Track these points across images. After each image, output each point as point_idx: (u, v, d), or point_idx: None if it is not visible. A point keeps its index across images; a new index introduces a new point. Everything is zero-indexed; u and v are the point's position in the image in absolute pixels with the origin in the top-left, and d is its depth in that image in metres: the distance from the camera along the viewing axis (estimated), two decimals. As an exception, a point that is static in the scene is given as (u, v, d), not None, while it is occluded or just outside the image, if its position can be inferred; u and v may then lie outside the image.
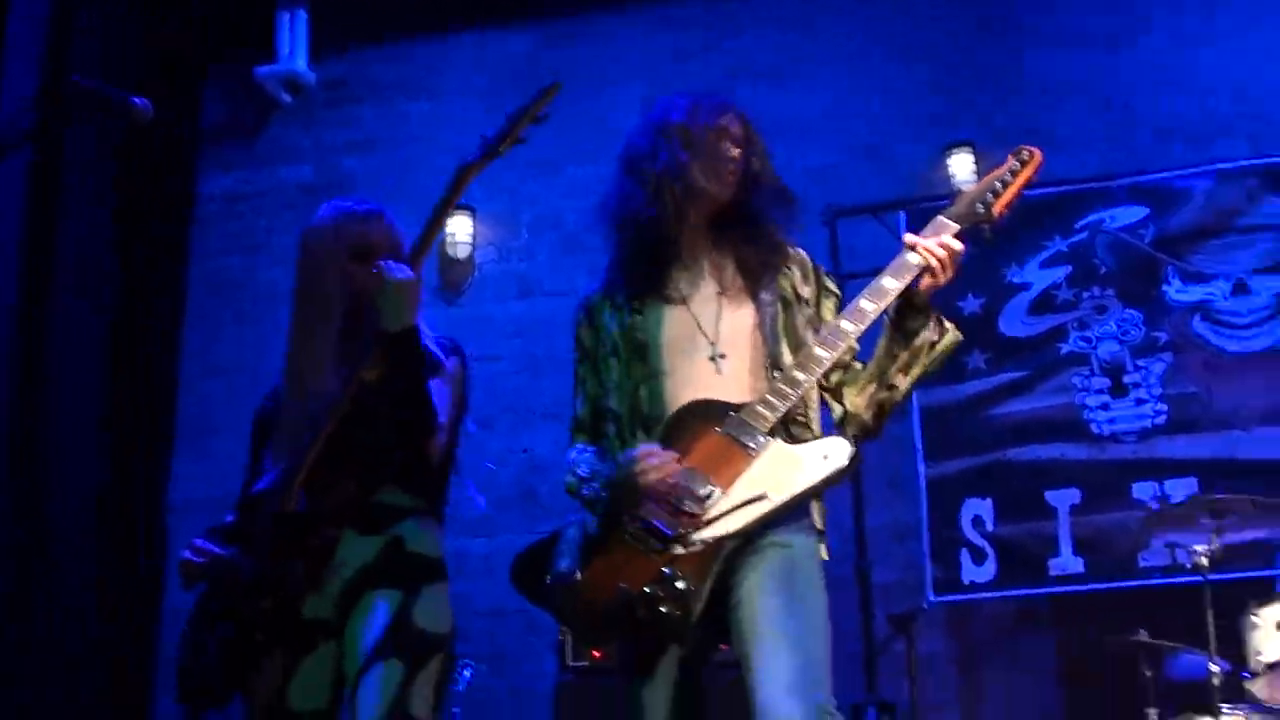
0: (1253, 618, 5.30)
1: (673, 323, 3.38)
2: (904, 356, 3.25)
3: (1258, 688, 5.31)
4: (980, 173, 7.52)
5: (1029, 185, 3.31)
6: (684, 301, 3.39)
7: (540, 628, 6.99)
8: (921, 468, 7.39)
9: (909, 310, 3.23)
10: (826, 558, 3.29)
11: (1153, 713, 5.66)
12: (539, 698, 6.40)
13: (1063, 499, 7.22)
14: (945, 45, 8.24)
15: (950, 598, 7.27)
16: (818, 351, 3.19)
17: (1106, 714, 6.73)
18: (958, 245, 3.18)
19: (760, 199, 3.43)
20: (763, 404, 3.16)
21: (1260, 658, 5.22)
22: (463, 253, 8.47)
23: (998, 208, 3.24)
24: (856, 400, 3.32)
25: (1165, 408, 7.22)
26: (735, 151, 3.42)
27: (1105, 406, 7.30)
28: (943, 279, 3.19)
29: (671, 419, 3.27)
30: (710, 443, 3.18)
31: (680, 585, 3.04)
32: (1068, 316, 7.48)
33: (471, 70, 8.91)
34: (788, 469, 3.13)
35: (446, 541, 3.67)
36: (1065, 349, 7.44)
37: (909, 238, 3.23)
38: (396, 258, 3.50)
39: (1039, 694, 7.20)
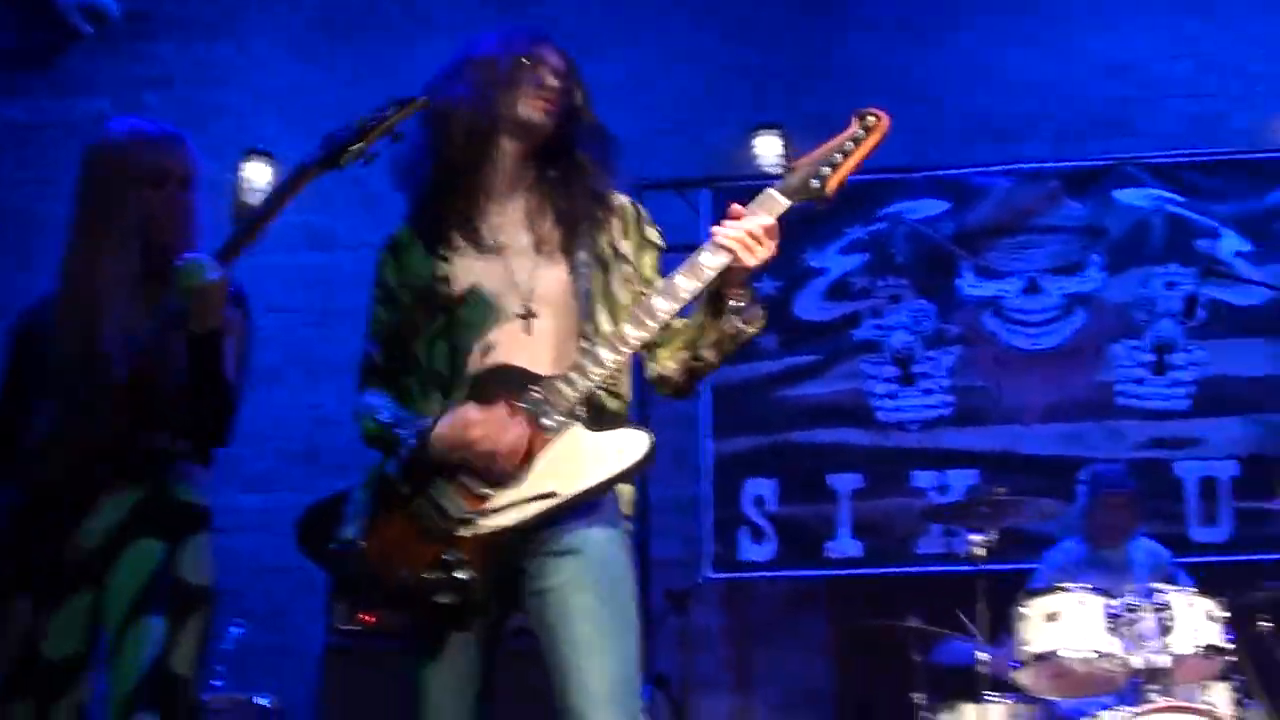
0: (1022, 609, 5.37)
1: (482, 274, 3.12)
2: (713, 334, 3.10)
3: (1023, 677, 5.40)
4: (787, 158, 7.55)
5: (872, 154, 3.08)
6: (497, 252, 3.13)
7: (315, 587, 6.81)
8: (708, 444, 7.38)
9: (725, 289, 3.06)
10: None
11: (919, 697, 5.72)
12: (308, 659, 6.24)
13: (844, 483, 7.29)
14: (758, 23, 8.22)
15: (728, 575, 7.29)
16: (629, 331, 2.98)
17: (875, 696, 6.83)
18: (767, 222, 2.98)
19: (583, 136, 3.22)
20: (565, 381, 2.96)
21: (1027, 648, 5.30)
22: (257, 200, 8.21)
23: (832, 185, 3.03)
24: (669, 364, 3.17)
25: (952, 399, 7.34)
26: (554, 81, 3.17)
27: (893, 395, 7.39)
28: (751, 262, 3.05)
29: (474, 382, 3.04)
30: (510, 414, 2.97)
31: (461, 575, 2.88)
32: (862, 304, 7.54)
33: (276, 15, 8.65)
34: (581, 459, 2.95)
35: (225, 496, 3.51)
36: (858, 336, 7.50)
37: (735, 209, 3.09)
38: (189, 188, 3.34)
39: (810, 673, 7.27)
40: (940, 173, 7.61)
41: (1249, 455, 7.02)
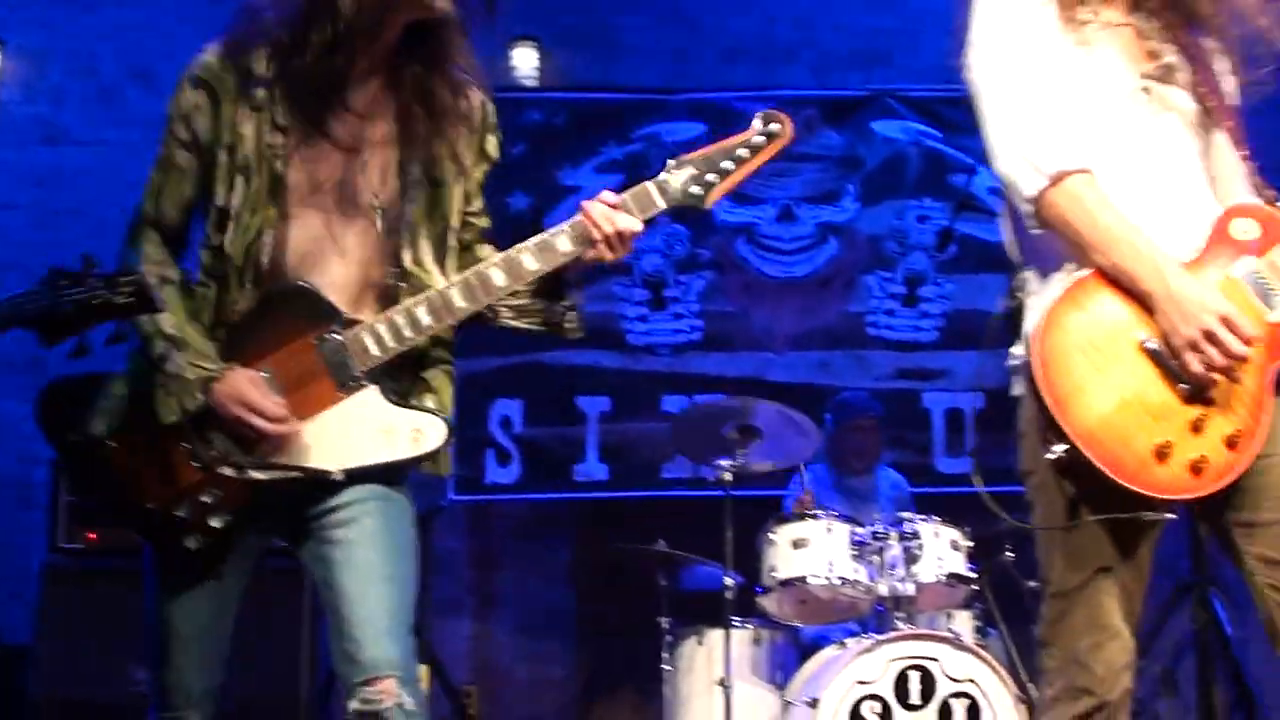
0: (770, 535, 5.34)
1: (314, 164, 2.78)
2: (525, 302, 2.91)
3: (768, 603, 5.37)
4: (543, 72, 7.37)
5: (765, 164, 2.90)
6: (334, 142, 2.78)
7: (35, 502, 6.41)
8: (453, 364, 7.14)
9: (566, 276, 2.88)
10: None
11: (665, 622, 5.65)
12: (28, 577, 5.86)
13: (593, 406, 7.18)
14: (517, -68, 7.97)
15: (472, 497, 7.11)
16: (456, 300, 2.72)
17: (620, 621, 6.75)
18: (637, 228, 2.78)
19: (452, 35, 2.84)
20: (372, 335, 2.70)
21: (774, 574, 5.27)
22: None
23: (713, 198, 2.82)
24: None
25: (701, 324, 7.29)
26: None
27: (643, 318, 7.29)
28: (609, 256, 2.80)
29: (272, 298, 2.73)
30: (302, 354, 2.70)
31: (215, 522, 2.66)
32: (615, 225, 7.38)
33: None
34: (369, 433, 2.71)
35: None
36: (609, 257, 7.34)
37: (606, 196, 2.81)
38: None
39: (553, 597, 7.17)
40: (698, 95, 7.50)
41: (994, 388, 7.11)
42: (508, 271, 2.75)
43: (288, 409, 2.68)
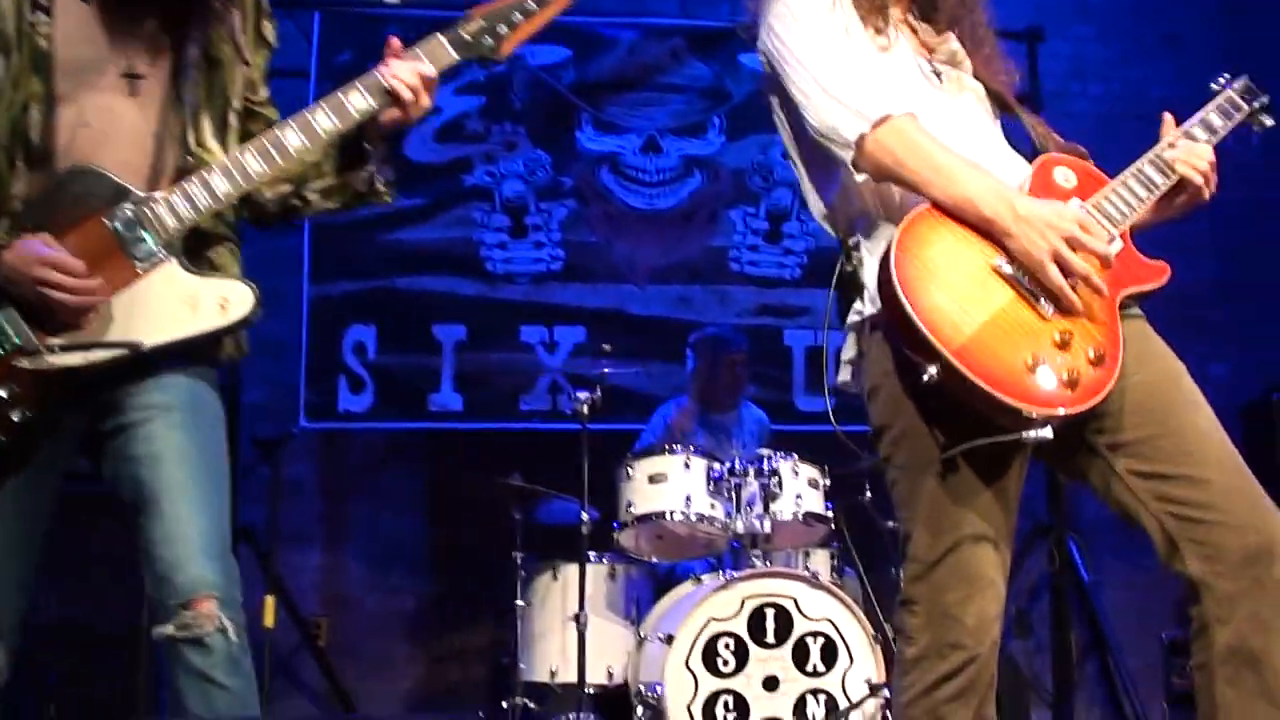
0: (628, 470, 5.27)
1: (85, 44, 2.68)
2: (331, 181, 2.82)
3: (625, 538, 5.32)
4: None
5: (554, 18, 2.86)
6: (105, 22, 2.69)
7: None
8: (305, 285, 6.96)
9: (367, 139, 2.77)
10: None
11: (519, 556, 5.57)
12: None
13: (449, 334, 7.02)
14: None
15: (323, 425, 6.93)
16: (250, 163, 2.63)
17: (474, 554, 6.66)
18: (431, 73, 2.69)
19: None
20: (167, 207, 2.59)
21: (631, 510, 5.20)
22: None
23: (506, 49, 2.77)
24: (265, 193, 2.80)
25: (562, 254, 7.16)
26: None
27: (503, 245, 7.14)
28: (412, 114, 2.70)
29: (56, 183, 2.61)
30: (93, 233, 2.58)
31: (14, 415, 2.51)
32: (475, 149, 7.23)
33: None
34: (176, 305, 2.61)
35: None
36: (469, 181, 7.19)
37: (396, 44, 2.75)
38: None
39: (405, 528, 7.04)
40: (563, 19, 7.29)
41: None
42: (302, 130, 2.66)
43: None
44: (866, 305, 2.65)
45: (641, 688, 4.93)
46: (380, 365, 6.94)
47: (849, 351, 2.78)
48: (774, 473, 5.17)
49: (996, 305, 2.45)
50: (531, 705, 5.52)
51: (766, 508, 5.12)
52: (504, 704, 5.53)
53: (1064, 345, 2.44)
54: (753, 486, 5.17)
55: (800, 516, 5.15)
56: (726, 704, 4.71)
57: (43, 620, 4.47)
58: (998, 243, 2.49)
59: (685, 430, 6.09)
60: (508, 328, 7.05)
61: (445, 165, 7.19)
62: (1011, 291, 2.47)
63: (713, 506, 5.18)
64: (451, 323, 7.03)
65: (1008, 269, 2.48)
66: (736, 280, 7.21)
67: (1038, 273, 2.46)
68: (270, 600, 5.86)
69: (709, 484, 5.21)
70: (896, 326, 2.46)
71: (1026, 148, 2.79)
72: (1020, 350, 2.42)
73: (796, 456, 5.26)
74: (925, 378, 2.40)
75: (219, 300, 2.62)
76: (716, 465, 5.26)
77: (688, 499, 5.16)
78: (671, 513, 5.17)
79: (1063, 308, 2.47)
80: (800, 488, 5.20)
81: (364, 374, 6.91)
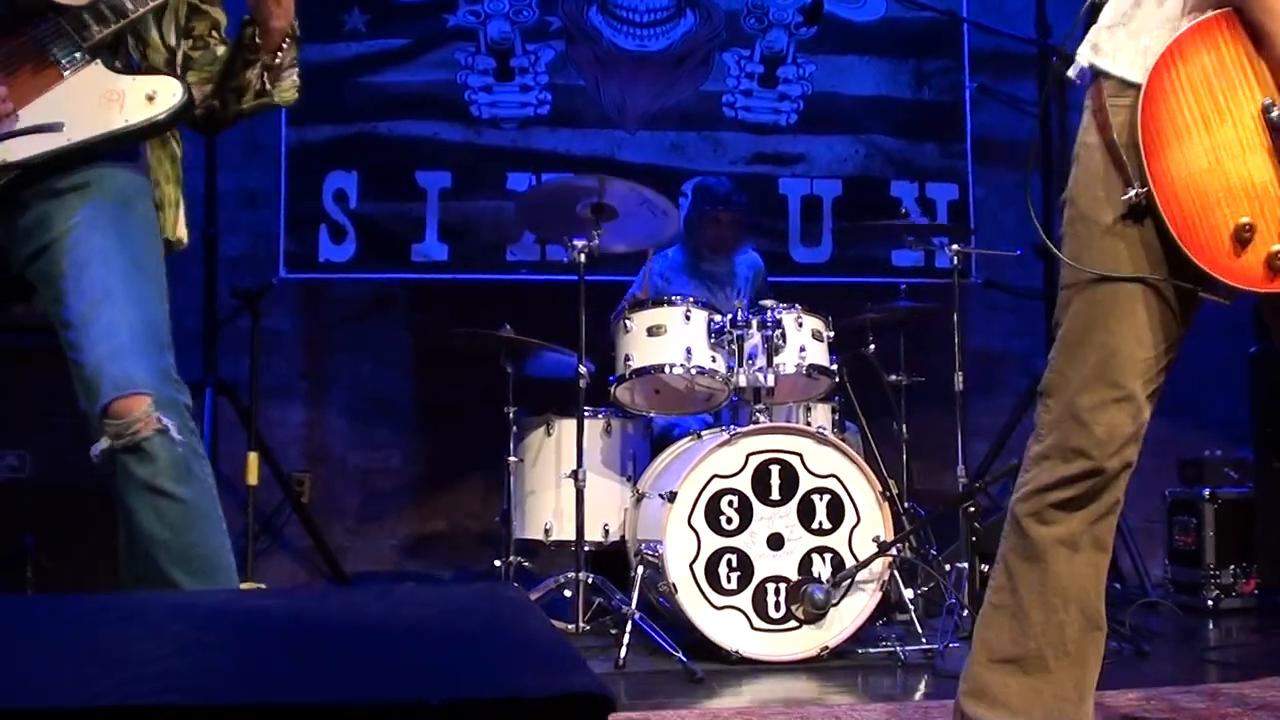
0: (626, 322, 5.06)
1: None
2: (240, 80, 2.73)
3: (621, 392, 5.12)
4: None
5: None
6: None
7: None
8: (284, 131, 6.68)
9: (255, 32, 2.68)
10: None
11: (511, 411, 5.39)
12: None
13: (433, 181, 6.78)
14: None
15: (304, 275, 6.70)
16: None
17: (461, 408, 6.49)
18: None
19: None
20: (91, 13, 2.49)
21: (629, 363, 5.00)
22: None
23: None
24: (195, 91, 2.69)
25: (550, 97, 6.89)
26: None
27: (489, 88, 6.87)
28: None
29: None
30: (13, 41, 2.49)
31: None
32: (459, -14, 6.93)
33: None
34: (101, 101, 2.49)
35: None
36: (452, 21, 6.88)
37: None
38: None
39: (389, 382, 6.86)
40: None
41: (851, 175, 6.92)
42: None
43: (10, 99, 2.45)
44: (1100, 57, 2.37)
45: (641, 546, 4.79)
46: (362, 214, 6.70)
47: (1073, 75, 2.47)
48: (777, 324, 4.95)
49: (1243, 151, 2.21)
50: (526, 564, 5.38)
51: (770, 361, 4.92)
52: (496, 562, 5.39)
53: None
54: (755, 339, 4.97)
55: (804, 370, 4.96)
56: (730, 563, 4.57)
57: (12, 481, 4.31)
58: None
59: (676, 280, 5.89)
60: (494, 174, 6.80)
61: (427, 4, 6.88)
62: (1268, 143, 2.22)
63: (714, 359, 4.99)
64: (436, 169, 6.78)
65: (1276, 113, 2.21)
66: (730, 126, 6.96)
67: None
68: (253, 457, 5.68)
69: (710, 336, 5.00)
70: (1129, 131, 2.24)
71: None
72: (1238, 211, 2.20)
73: (800, 308, 5.05)
74: (1125, 195, 2.20)
75: (145, 93, 2.52)
76: (717, 317, 5.04)
77: (688, 351, 4.96)
78: (671, 366, 4.97)
79: None
80: (804, 340, 5.00)
81: (346, 222, 6.68)
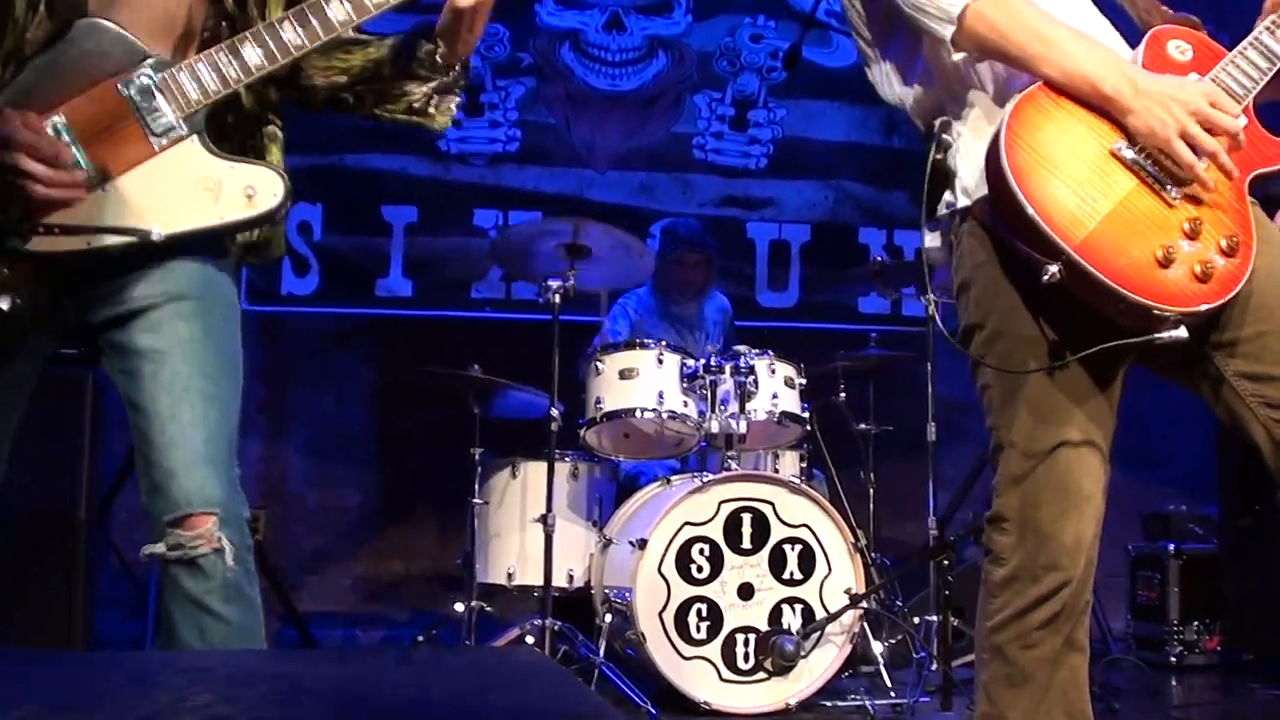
0: (597, 364, 4.98)
1: None
2: (388, 86, 2.56)
3: (590, 435, 5.04)
4: None
5: None
6: None
7: None
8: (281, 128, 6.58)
9: (432, 41, 2.51)
10: None
11: (478, 452, 5.30)
12: None
13: (399, 216, 6.72)
14: None
15: (265, 308, 6.62)
16: (288, 35, 2.29)
17: (422, 448, 6.39)
18: None
19: None
20: (190, 76, 2.27)
21: (600, 406, 4.93)
22: None
23: None
24: (316, 79, 2.56)
25: (519, 134, 6.85)
26: None
27: (458, 123, 6.78)
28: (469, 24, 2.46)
29: (66, 36, 2.27)
30: (104, 99, 2.25)
31: (2, 304, 2.20)
32: (429, 19, 6.84)
33: None
34: (195, 189, 2.28)
35: None
36: (420, 55, 6.82)
37: None
38: None
39: (350, 418, 6.76)
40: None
41: (819, 221, 6.91)
42: (348, 1, 2.32)
43: (93, 163, 2.23)
44: (958, 197, 2.40)
45: (608, 593, 4.72)
46: (327, 246, 6.63)
47: (934, 246, 2.51)
48: (750, 370, 4.90)
49: (1119, 194, 2.21)
50: (488, 608, 5.29)
51: (742, 407, 4.86)
52: (458, 606, 5.29)
53: (1194, 234, 2.20)
54: (728, 384, 4.91)
55: (776, 417, 4.91)
56: (700, 612, 4.50)
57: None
58: (1115, 123, 2.24)
59: (648, 322, 5.84)
60: (461, 210, 6.75)
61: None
62: (1134, 178, 2.22)
63: (685, 404, 4.92)
64: (402, 204, 6.72)
65: (1128, 153, 2.23)
66: (700, 169, 6.94)
67: (1165, 151, 2.21)
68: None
69: (682, 381, 4.94)
70: (1010, 222, 2.21)
71: (1124, 28, 2.52)
72: (1149, 243, 2.18)
73: (772, 354, 5.00)
74: (1045, 277, 2.15)
75: (245, 189, 2.31)
76: (690, 362, 4.99)
77: (660, 395, 4.89)
78: (643, 410, 4.90)
79: (1190, 193, 2.23)
80: (776, 386, 4.95)
81: (309, 255, 6.60)
